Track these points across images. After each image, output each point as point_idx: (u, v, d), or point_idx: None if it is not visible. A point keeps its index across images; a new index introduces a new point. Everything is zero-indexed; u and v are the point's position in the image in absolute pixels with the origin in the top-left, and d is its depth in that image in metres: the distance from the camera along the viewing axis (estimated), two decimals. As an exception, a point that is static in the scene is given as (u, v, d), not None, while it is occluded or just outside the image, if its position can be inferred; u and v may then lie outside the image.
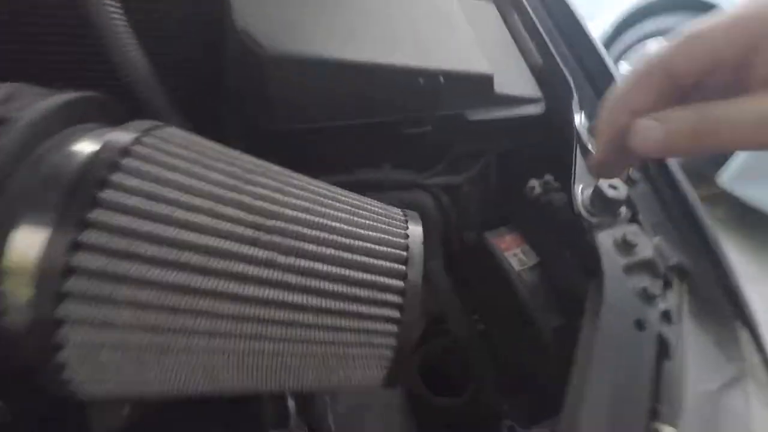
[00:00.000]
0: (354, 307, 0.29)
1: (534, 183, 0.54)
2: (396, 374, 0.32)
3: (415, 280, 0.31)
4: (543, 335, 0.48)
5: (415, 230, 0.33)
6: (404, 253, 0.31)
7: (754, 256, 1.91)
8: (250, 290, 0.27)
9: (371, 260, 0.30)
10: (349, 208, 0.33)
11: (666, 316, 0.40)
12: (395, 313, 0.30)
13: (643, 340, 0.37)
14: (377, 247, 0.31)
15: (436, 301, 0.61)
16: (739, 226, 2.02)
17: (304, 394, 0.49)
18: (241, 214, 0.28)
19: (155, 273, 0.25)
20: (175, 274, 0.26)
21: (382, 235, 0.32)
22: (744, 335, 0.42)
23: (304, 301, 0.28)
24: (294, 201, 0.31)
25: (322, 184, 0.34)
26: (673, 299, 0.41)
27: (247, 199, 0.29)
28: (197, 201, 0.28)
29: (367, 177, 0.57)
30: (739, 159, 1.77)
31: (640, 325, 0.37)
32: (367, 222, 0.32)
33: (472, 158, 0.63)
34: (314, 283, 0.29)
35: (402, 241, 0.32)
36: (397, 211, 0.35)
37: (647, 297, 0.39)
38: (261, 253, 0.28)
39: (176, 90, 0.42)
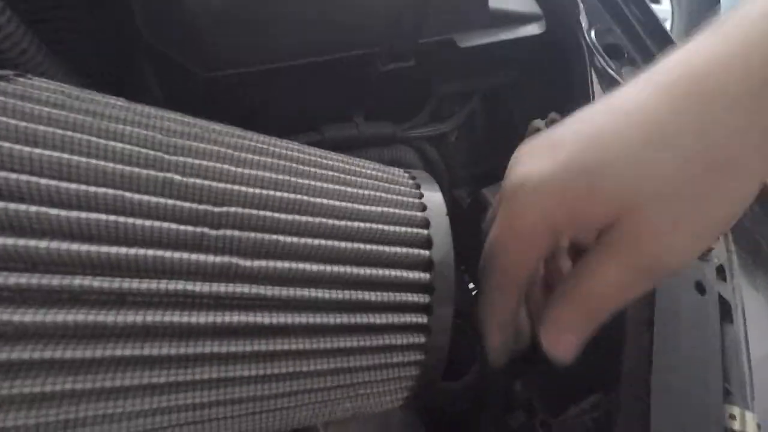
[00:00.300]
0: (362, 319, 0.20)
1: (539, 123, 0.45)
2: (423, 394, 0.23)
3: (444, 267, 0.21)
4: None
5: (434, 198, 0.24)
6: (425, 232, 0.22)
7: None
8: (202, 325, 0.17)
9: (381, 248, 0.21)
10: (335, 175, 0.22)
11: (721, 272, 0.33)
12: (421, 319, 0.21)
13: (705, 305, 0.30)
14: (387, 227, 0.21)
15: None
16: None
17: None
18: (169, 202, 0.18)
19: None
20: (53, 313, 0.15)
21: (392, 210, 0.22)
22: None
23: (289, 320, 0.18)
24: (253, 173, 0.20)
25: (291, 145, 0.23)
26: (722, 252, 0.35)
27: (176, 178, 0.18)
28: (90, 188, 0.17)
29: (337, 134, 0.46)
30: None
31: (700, 287, 0.31)
32: (367, 193, 0.22)
33: (458, 100, 0.53)
34: (296, 293, 0.19)
35: (418, 214, 0.22)
36: (400, 174, 0.25)
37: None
38: (211, 260, 0.18)
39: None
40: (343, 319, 0.20)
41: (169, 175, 0.18)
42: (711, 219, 0.21)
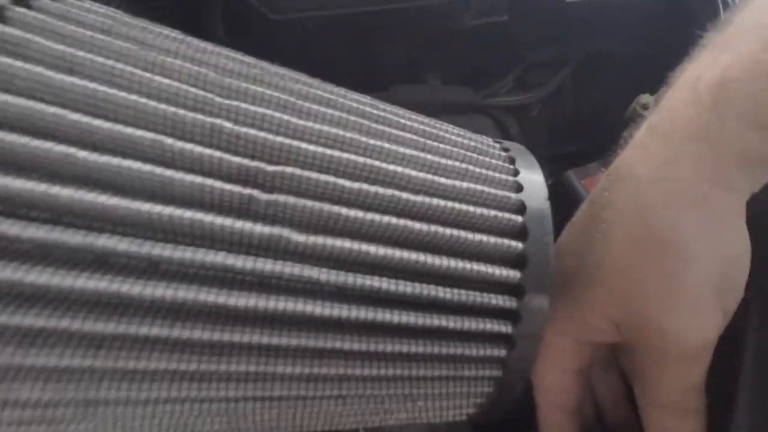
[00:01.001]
0: (432, 321, 0.16)
1: (646, 99, 0.38)
2: (493, 413, 0.20)
3: (539, 265, 0.17)
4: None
5: (533, 177, 0.19)
6: (519, 219, 0.17)
7: None
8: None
9: (463, 234, 0.16)
10: (414, 139, 0.18)
11: None
12: (504, 327, 0.17)
13: None
14: (472, 209, 0.17)
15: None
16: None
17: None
18: (216, 154, 0.14)
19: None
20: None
21: (480, 188, 0.17)
22: None
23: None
24: (318, 127, 0.16)
25: (363, 99, 0.19)
26: None
27: (227, 125, 0.15)
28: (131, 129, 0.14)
29: (407, 96, 0.41)
30: None
31: None
32: (451, 163, 0.18)
33: (546, 69, 0.46)
34: (356, 281, 0.15)
35: (512, 196, 0.18)
36: (491, 144, 0.21)
37: None
38: (258, 230, 0.14)
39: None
40: (410, 318, 0.16)
41: (218, 121, 0.15)
42: (696, 301, 0.21)
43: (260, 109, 0.16)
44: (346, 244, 0.15)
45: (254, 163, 0.15)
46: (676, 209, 0.21)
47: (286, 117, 0.16)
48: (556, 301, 0.22)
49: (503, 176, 0.18)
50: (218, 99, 0.15)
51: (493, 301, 0.17)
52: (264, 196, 0.15)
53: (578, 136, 0.50)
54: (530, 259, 0.17)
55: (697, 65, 0.22)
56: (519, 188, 0.18)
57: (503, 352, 0.17)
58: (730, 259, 0.21)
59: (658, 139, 0.21)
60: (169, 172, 0.14)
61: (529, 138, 0.47)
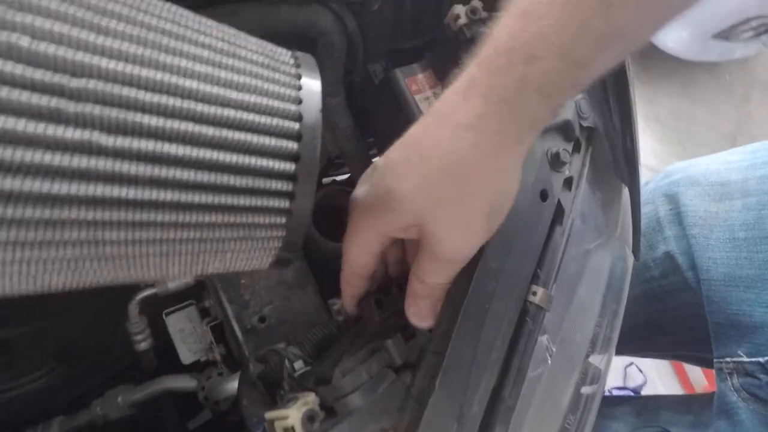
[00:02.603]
0: (225, 200, 0.23)
1: (459, 9, 0.44)
2: (287, 259, 0.28)
3: (310, 164, 0.24)
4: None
5: (312, 86, 0.25)
6: (296, 126, 0.24)
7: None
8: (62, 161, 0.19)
9: (248, 137, 0.22)
10: (211, 56, 0.22)
11: (568, 182, 0.39)
12: (283, 203, 0.24)
13: (543, 210, 0.37)
14: (255, 117, 0.22)
15: (335, 141, 0.55)
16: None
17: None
18: (17, 69, 0.17)
19: None
20: None
21: (265, 102, 0.23)
22: (624, 197, 0.45)
23: (151, 196, 0.20)
24: (117, 46, 0.19)
25: (167, 14, 0.22)
26: (577, 164, 0.41)
27: (24, 41, 0.17)
28: None
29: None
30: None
31: (543, 195, 0.36)
32: (242, 80, 0.22)
33: (388, -37, 0.49)
34: (160, 171, 0.20)
35: (292, 108, 0.24)
36: (284, 54, 0.25)
37: (557, 164, 0.38)
38: (69, 134, 0.18)
39: None
40: (209, 198, 0.22)
41: (15, 36, 0.17)
42: (472, 223, 0.30)
43: (58, 27, 0.18)
44: (150, 144, 0.20)
45: (57, 77, 0.18)
46: (476, 154, 0.28)
47: (84, 35, 0.19)
48: (372, 204, 0.30)
49: (287, 91, 0.24)
50: (11, 17, 0.17)
51: (273, 186, 0.23)
52: (72, 106, 0.18)
53: (417, 33, 0.55)
54: (303, 156, 0.24)
55: (510, 34, 0.27)
56: (299, 101, 0.24)
57: (282, 220, 0.24)
58: (501, 193, 0.30)
59: (478, 96, 0.27)
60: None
61: (369, 32, 0.51)
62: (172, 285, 0.49)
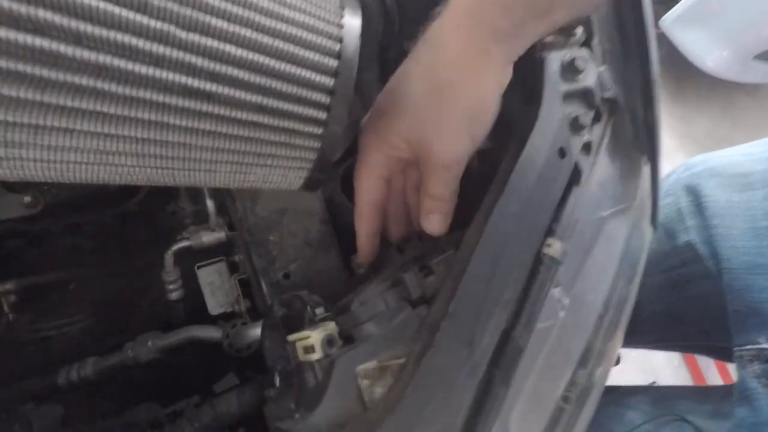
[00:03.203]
0: (273, 103, 0.26)
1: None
2: (317, 179, 0.31)
3: (346, 79, 0.27)
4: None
5: (352, 22, 0.28)
6: (337, 46, 0.27)
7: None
8: (143, 69, 0.22)
9: (296, 49, 0.25)
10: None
11: (587, 147, 0.41)
12: (321, 114, 0.27)
13: (562, 166, 0.38)
14: (304, 34, 0.26)
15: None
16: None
17: (224, 195, 0.48)
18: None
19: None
20: (38, 40, 0.20)
21: (312, 21, 0.26)
22: (646, 172, 0.46)
23: (212, 89, 0.24)
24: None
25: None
26: (597, 132, 0.42)
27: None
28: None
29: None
30: (686, 2, 1.71)
31: (562, 153, 0.38)
32: (294, 1, 0.26)
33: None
34: (224, 69, 0.24)
35: (336, 31, 0.27)
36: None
37: (576, 127, 0.39)
38: (153, 24, 0.22)
39: None
40: (257, 99, 0.25)
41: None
42: (455, 127, 0.33)
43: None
44: (215, 43, 0.23)
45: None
46: (447, 65, 0.32)
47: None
48: (374, 126, 0.34)
49: (331, 17, 0.27)
50: None
51: (315, 96, 0.27)
52: (156, 1, 0.22)
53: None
54: (341, 72, 0.27)
55: None
56: (340, 26, 0.27)
57: (320, 130, 0.27)
58: (476, 99, 0.33)
59: (449, 13, 0.33)
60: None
61: (407, 9, 0.54)
62: (206, 238, 0.53)
